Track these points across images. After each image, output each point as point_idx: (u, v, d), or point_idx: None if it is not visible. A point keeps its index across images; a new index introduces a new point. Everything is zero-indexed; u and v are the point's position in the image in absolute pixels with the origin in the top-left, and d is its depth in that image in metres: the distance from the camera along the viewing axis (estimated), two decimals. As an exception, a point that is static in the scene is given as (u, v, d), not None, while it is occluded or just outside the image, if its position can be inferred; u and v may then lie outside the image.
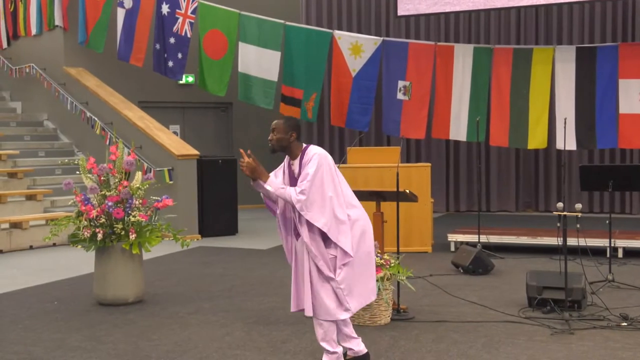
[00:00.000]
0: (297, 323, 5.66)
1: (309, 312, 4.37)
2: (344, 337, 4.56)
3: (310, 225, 4.27)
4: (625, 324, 5.46)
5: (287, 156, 4.50)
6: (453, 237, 9.30)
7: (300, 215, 4.29)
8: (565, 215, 5.84)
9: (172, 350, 5.02)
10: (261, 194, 4.47)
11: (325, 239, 4.31)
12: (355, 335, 4.58)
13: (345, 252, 4.30)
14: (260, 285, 7.29)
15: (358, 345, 4.57)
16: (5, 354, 5.01)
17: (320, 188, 4.24)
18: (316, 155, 4.29)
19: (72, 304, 6.54)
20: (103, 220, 6.36)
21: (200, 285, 7.33)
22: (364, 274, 4.42)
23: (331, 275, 4.29)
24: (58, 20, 13.05)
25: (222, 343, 5.18)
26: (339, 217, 4.28)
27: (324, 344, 4.42)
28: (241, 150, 4.44)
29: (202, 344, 5.17)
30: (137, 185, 6.56)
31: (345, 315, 4.36)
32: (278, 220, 4.56)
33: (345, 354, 4.59)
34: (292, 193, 4.26)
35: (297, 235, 4.42)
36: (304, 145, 4.45)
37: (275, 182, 4.36)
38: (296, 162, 4.43)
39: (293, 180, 4.43)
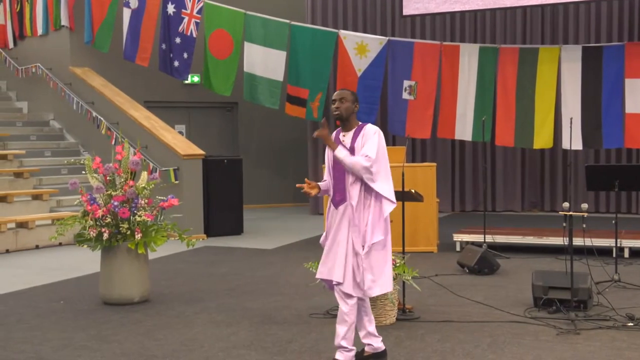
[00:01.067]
0: (302, 323, 5.66)
1: (339, 279, 4.44)
2: (367, 335, 4.65)
3: (364, 196, 4.43)
4: (632, 324, 5.44)
5: (337, 131, 4.64)
6: (459, 237, 9.29)
7: (352, 183, 4.44)
8: (571, 215, 5.83)
9: (178, 350, 5.03)
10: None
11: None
12: (377, 334, 4.67)
13: (378, 232, 4.42)
14: (266, 284, 7.29)
15: (378, 343, 4.66)
16: (12, 352, 5.03)
17: (384, 161, 4.44)
18: (378, 132, 4.47)
19: (78, 303, 6.56)
20: (109, 219, 6.38)
21: (206, 284, 7.34)
22: (386, 261, 4.52)
23: (360, 250, 4.41)
24: (64, 20, 13.09)
25: (227, 342, 5.19)
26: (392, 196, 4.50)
27: (343, 342, 4.48)
28: (324, 120, 4.56)
29: (208, 343, 5.18)
30: (143, 185, 6.58)
31: (360, 294, 4.45)
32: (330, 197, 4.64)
33: (362, 351, 4.64)
34: (360, 160, 4.38)
35: (337, 203, 4.51)
36: (360, 122, 4.59)
37: (344, 150, 4.45)
38: (349, 134, 4.55)
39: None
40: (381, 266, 4.48)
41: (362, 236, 4.43)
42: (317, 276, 4.65)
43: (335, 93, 4.59)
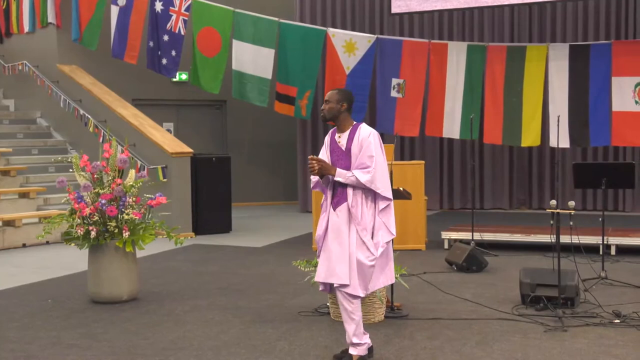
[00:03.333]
0: (292, 321, 5.67)
1: (344, 281, 4.44)
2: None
3: (364, 197, 4.46)
4: (618, 321, 5.48)
5: (332, 131, 4.67)
6: (447, 235, 9.32)
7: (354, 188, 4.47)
8: (558, 213, 5.86)
9: (168, 348, 5.03)
10: (312, 184, 4.71)
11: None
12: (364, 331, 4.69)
13: (389, 231, 4.52)
14: (256, 283, 7.29)
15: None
16: (2, 351, 5.00)
17: (383, 165, 4.48)
18: (373, 135, 4.48)
19: (67, 302, 6.53)
20: (96, 218, 6.36)
21: (196, 283, 7.33)
22: (389, 257, 4.63)
23: (373, 250, 4.45)
24: (51, 18, 13.02)
25: (217, 341, 5.19)
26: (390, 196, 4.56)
27: (354, 339, 4.51)
28: (310, 157, 4.52)
29: (198, 342, 5.17)
30: (131, 183, 6.56)
31: (363, 294, 4.48)
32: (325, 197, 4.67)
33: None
34: (360, 177, 4.40)
35: (335, 205, 4.53)
36: (355, 122, 4.60)
37: (342, 172, 4.47)
38: (344, 135, 4.57)
39: (340, 153, 4.54)
40: (387, 260, 4.60)
41: (372, 236, 4.46)
42: (317, 279, 4.63)
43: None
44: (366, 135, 4.46)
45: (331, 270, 4.48)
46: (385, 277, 4.61)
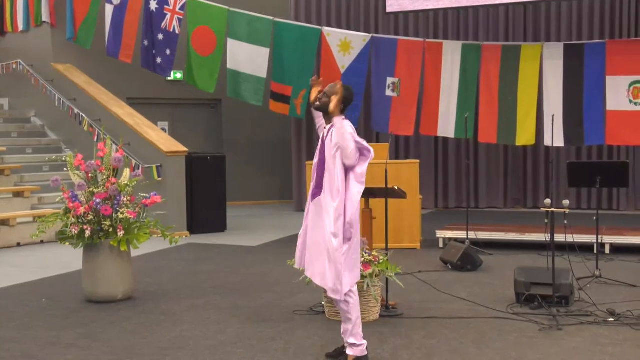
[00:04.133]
0: (289, 320, 5.67)
1: (325, 284, 4.51)
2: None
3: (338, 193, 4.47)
4: (612, 319, 5.50)
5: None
6: (442, 234, 9.33)
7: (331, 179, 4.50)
8: (553, 212, 5.88)
9: (166, 347, 5.02)
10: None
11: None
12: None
13: (351, 228, 4.50)
14: (252, 282, 7.29)
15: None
16: (0, 351, 5.01)
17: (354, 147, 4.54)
18: (345, 124, 4.52)
19: (63, 301, 6.52)
20: (91, 217, 6.35)
21: (191, 282, 7.33)
22: (356, 256, 4.61)
23: (342, 246, 4.46)
24: (45, 17, 12.99)
25: (214, 340, 5.19)
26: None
27: (350, 339, 4.51)
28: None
29: (195, 341, 5.18)
30: (125, 182, 6.55)
31: (334, 295, 4.45)
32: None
33: (343, 347, 4.64)
34: (348, 142, 4.44)
35: (312, 196, 4.60)
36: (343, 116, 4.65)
37: (341, 122, 4.55)
38: (328, 126, 4.68)
39: (322, 141, 4.64)
40: (354, 262, 4.58)
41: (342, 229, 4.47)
42: (297, 265, 4.77)
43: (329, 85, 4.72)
44: (339, 126, 4.49)
45: (310, 265, 4.61)
46: (351, 278, 4.56)
